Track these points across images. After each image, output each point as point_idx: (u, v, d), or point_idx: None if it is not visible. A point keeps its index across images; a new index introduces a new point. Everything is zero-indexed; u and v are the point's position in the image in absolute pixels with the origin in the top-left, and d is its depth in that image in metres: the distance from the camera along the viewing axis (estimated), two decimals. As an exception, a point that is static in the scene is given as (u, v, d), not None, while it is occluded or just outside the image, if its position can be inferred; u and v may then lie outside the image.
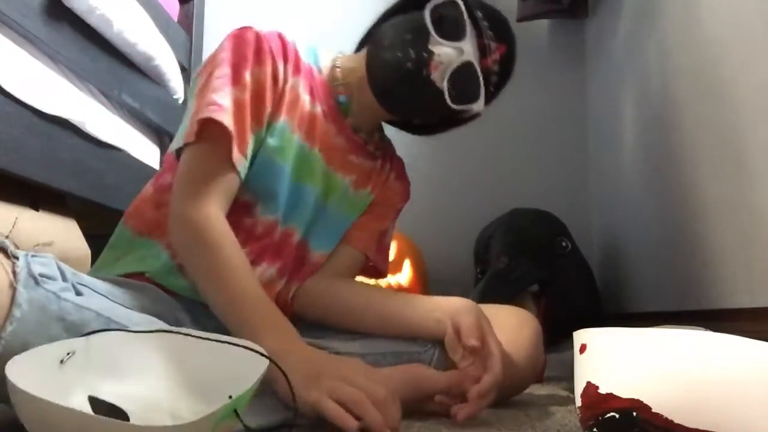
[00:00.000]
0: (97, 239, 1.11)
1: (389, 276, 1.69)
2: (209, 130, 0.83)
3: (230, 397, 0.54)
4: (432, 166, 2.09)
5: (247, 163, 0.86)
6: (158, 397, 0.62)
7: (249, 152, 0.86)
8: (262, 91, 0.88)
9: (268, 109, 0.89)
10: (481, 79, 0.91)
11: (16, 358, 0.54)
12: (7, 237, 1.00)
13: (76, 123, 1.15)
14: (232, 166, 0.83)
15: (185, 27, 1.91)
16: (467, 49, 0.88)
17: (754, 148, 1.08)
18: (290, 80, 0.92)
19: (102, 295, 0.75)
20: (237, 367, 0.62)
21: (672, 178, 1.41)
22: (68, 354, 0.58)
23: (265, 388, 0.71)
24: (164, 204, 0.90)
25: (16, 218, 1.04)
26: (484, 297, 1.44)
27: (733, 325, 1.07)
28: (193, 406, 0.61)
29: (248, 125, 0.86)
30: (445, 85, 0.89)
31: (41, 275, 0.66)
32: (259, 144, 0.89)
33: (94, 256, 1.08)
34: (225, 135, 0.83)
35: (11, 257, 0.66)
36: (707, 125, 1.25)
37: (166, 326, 0.73)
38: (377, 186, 1.05)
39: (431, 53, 0.87)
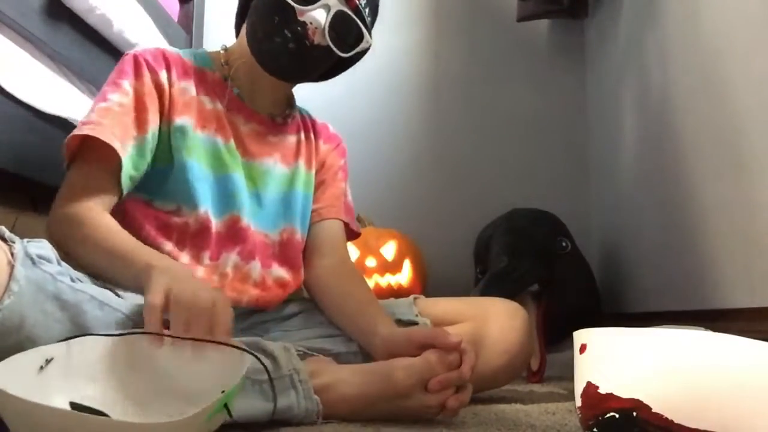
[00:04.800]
0: (97, 239, 1.11)
1: (389, 276, 1.69)
2: (88, 146, 0.88)
3: (222, 392, 0.55)
4: (432, 166, 2.09)
5: (128, 159, 0.89)
6: (136, 398, 0.62)
7: (131, 151, 0.89)
8: (141, 100, 0.92)
9: (153, 115, 0.93)
10: (356, 18, 0.95)
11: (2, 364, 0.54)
12: (7, 237, 1.00)
13: (76, 123, 1.15)
14: (115, 171, 0.87)
15: (185, 27, 1.90)
16: (330, 2, 0.91)
17: (754, 148, 1.08)
18: (178, 85, 0.96)
19: (95, 285, 0.77)
20: (215, 363, 0.63)
21: (672, 178, 1.41)
22: (47, 360, 0.59)
23: (251, 383, 0.72)
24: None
25: (16, 218, 1.04)
26: (484, 297, 1.44)
27: (733, 325, 1.07)
28: (171, 406, 0.61)
29: (130, 127, 0.90)
30: (329, 41, 0.93)
31: (39, 256, 0.69)
32: (167, 147, 0.93)
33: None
34: (103, 149, 0.86)
35: (8, 242, 0.68)
36: (707, 125, 1.25)
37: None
38: (311, 159, 1.09)
39: (303, 24, 0.91)
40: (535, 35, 2.14)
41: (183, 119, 0.95)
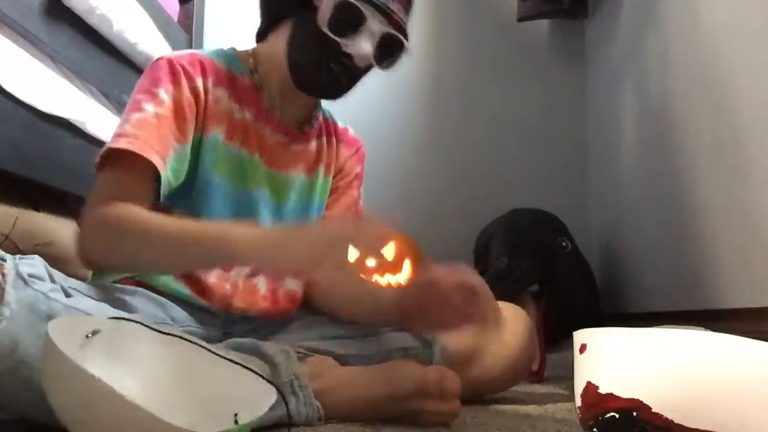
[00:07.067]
0: (97, 239, 1.11)
1: (389, 276, 1.69)
2: (122, 158, 0.82)
3: (236, 417, 0.54)
4: (432, 166, 2.09)
5: (168, 171, 0.84)
6: (153, 399, 0.62)
7: (171, 162, 0.85)
8: (181, 109, 0.87)
9: (191, 124, 0.88)
10: (399, 36, 0.92)
11: (56, 321, 0.55)
12: (7, 237, 1.00)
13: (76, 123, 1.15)
14: (148, 180, 0.83)
15: (185, 27, 1.90)
16: (374, 28, 0.88)
17: (754, 148, 1.08)
18: (213, 92, 0.92)
19: (91, 297, 0.75)
20: (240, 385, 0.62)
21: (672, 178, 1.41)
22: (93, 332, 0.59)
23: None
24: None
25: (16, 218, 1.03)
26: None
27: (733, 325, 1.07)
28: (186, 415, 0.61)
29: (169, 137, 0.85)
30: (374, 63, 0.92)
31: (30, 275, 0.67)
32: (193, 159, 0.89)
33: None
34: (138, 161, 0.81)
35: None
36: (707, 125, 1.25)
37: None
38: (330, 164, 1.07)
39: (349, 56, 0.88)
40: (535, 35, 2.14)
41: (215, 131, 0.91)
